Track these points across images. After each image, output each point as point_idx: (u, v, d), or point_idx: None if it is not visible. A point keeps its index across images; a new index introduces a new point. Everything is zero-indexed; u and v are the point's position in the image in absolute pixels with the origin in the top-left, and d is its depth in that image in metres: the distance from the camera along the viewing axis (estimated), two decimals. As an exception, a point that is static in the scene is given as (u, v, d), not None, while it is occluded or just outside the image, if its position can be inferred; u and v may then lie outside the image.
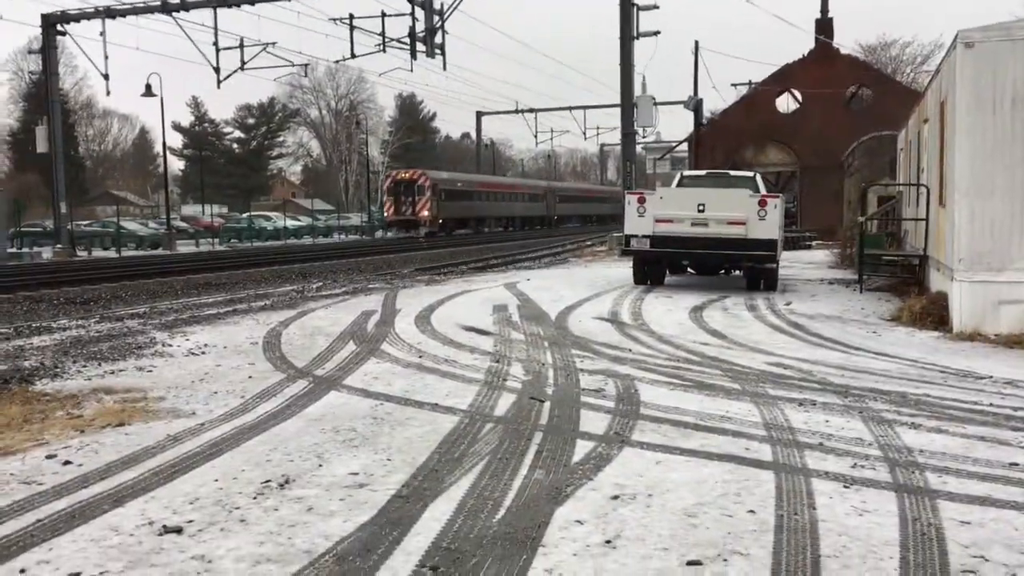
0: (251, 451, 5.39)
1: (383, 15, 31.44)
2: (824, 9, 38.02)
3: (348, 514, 4.28)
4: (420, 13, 30.31)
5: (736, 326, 11.05)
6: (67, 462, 5.16)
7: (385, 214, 54.32)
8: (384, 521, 4.17)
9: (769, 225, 14.41)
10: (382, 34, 31.80)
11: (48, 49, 36.10)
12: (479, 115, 76.16)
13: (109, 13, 33.58)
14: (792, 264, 21.55)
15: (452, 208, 53.99)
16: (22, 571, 3.62)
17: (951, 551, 3.82)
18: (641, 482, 4.76)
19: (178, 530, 4.07)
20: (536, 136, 73.51)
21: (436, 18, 30.60)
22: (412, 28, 30.62)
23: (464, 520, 4.16)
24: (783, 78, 37.53)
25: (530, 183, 76.26)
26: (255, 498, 4.53)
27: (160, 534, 4.03)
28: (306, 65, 40.83)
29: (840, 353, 9.11)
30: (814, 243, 29.93)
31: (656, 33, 30.64)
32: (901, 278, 15.50)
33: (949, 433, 5.79)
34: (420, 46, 30.89)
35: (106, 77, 34.75)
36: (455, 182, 57.08)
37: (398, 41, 31.66)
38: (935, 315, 11.02)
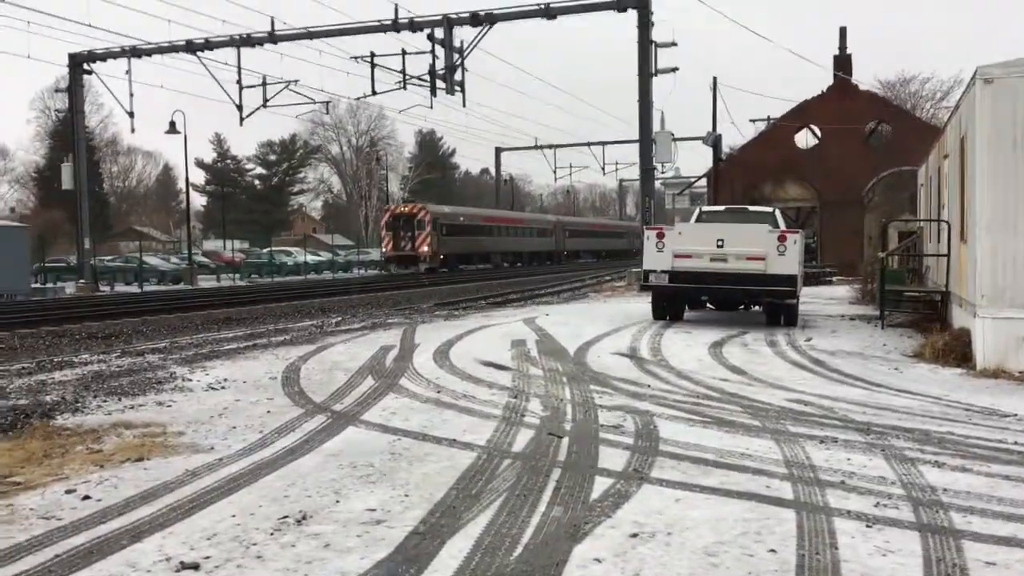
0: (269, 486, 5.39)
1: (403, 53, 31.83)
2: (843, 45, 38.15)
3: (365, 551, 4.26)
4: (440, 51, 30.66)
5: (756, 362, 10.98)
6: (86, 497, 5.18)
7: (384, 249, 52.01)
8: (401, 558, 4.15)
9: (789, 260, 14.36)
10: (402, 72, 32.18)
11: (75, 87, 36.76)
12: (498, 151, 76.64)
13: (135, 52, 34.21)
14: (812, 300, 21.43)
15: (454, 243, 52.04)
16: (40, 606, 3.62)
17: (977, 593, 3.75)
18: (660, 520, 4.71)
19: (195, 566, 4.06)
20: (555, 172, 73.89)
21: (456, 56, 30.95)
22: (432, 66, 30.96)
23: (482, 557, 4.13)
24: (802, 114, 37.59)
25: (538, 217, 74.81)
26: (272, 534, 4.52)
27: (177, 571, 4.02)
28: (327, 102, 41.27)
29: (861, 390, 9.02)
30: (834, 279, 29.77)
31: (674, 70, 30.81)
32: (923, 314, 15.37)
33: (973, 472, 5.71)
34: (440, 83, 31.21)
35: (131, 115, 35.30)
36: (457, 216, 55.16)
37: (418, 79, 32.03)
38: (958, 351, 10.91)
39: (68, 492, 5.28)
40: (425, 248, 49.15)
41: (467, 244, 54.36)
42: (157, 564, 4.10)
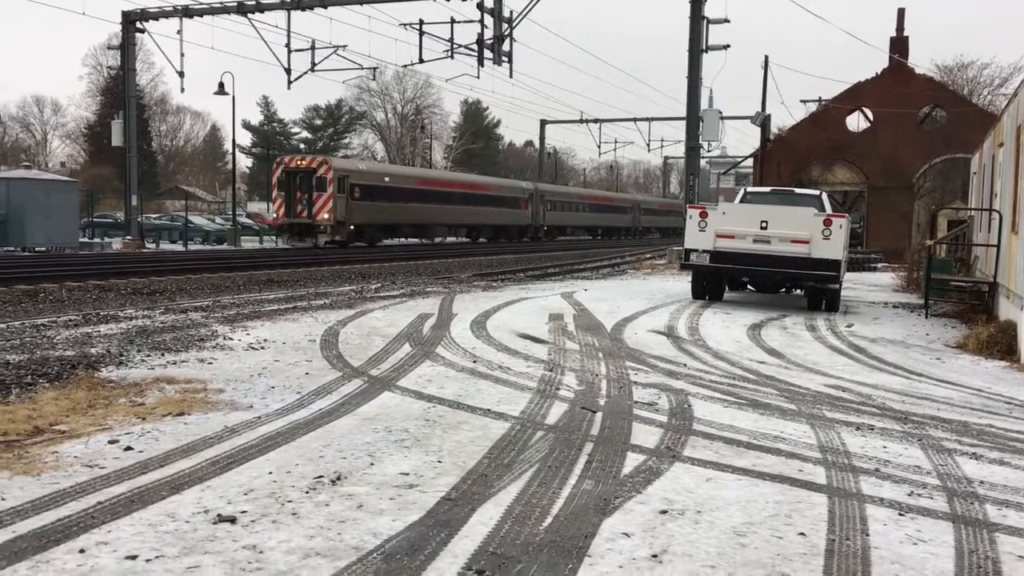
0: (305, 446, 5.48)
1: (452, 21, 31.72)
2: (900, 27, 37.35)
3: (397, 513, 4.33)
4: (489, 20, 30.51)
5: (794, 346, 10.89)
6: (128, 448, 5.31)
7: (274, 215, 39.53)
8: (432, 522, 4.21)
9: (833, 245, 14.19)
10: (451, 40, 32.10)
11: (127, 46, 37.17)
12: (543, 123, 76.29)
13: (187, 12, 34.48)
14: (856, 286, 21.16)
15: (372, 211, 40.15)
16: (82, 551, 3.74)
17: (1008, 586, 3.72)
18: (691, 498, 4.72)
19: (232, 520, 4.16)
20: (600, 146, 73.35)
21: (504, 26, 30.77)
22: (480, 35, 30.83)
23: (511, 526, 4.18)
24: (854, 96, 36.92)
25: (506, 183, 60.34)
26: (307, 493, 4.60)
27: (215, 523, 4.12)
28: (375, 68, 41.31)
29: (901, 378, 8.92)
30: (879, 265, 29.35)
31: (726, 47, 30.40)
32: (969, 305, 15.14)
33: (1011, 465, 5.63)
34: (487, 53, 31.08)
35: (181, 75, 35.64)
36: (379, 176, 42.74)
37: (466, 48, 31.94)
38: (1003, 344, 10.74)
39: (111, 442, 5.41)
40: (326, 215, 37.43)
41: (393, 212, 42.26)
42: (196, 515, 4.20)
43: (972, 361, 10.30)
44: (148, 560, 3.67)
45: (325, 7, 33.02)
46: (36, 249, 30.76)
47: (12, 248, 30.63)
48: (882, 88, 36.00)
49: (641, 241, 68.97)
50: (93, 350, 8.71)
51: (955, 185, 27.58)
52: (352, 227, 38.88)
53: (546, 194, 61.60)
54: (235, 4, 33.68)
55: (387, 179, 42.82)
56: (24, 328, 10.34)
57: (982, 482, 5.22)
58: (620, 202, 78.42)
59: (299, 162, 38.44)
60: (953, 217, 23.19)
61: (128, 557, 3.69)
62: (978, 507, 4.76)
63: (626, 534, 4.15)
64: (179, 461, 5.06)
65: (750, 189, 19.02)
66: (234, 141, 50.05)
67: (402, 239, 46.56)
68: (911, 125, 35.56)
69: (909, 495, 4.93)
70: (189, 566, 3.63)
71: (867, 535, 4.25)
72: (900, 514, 4.59)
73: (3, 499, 4.33)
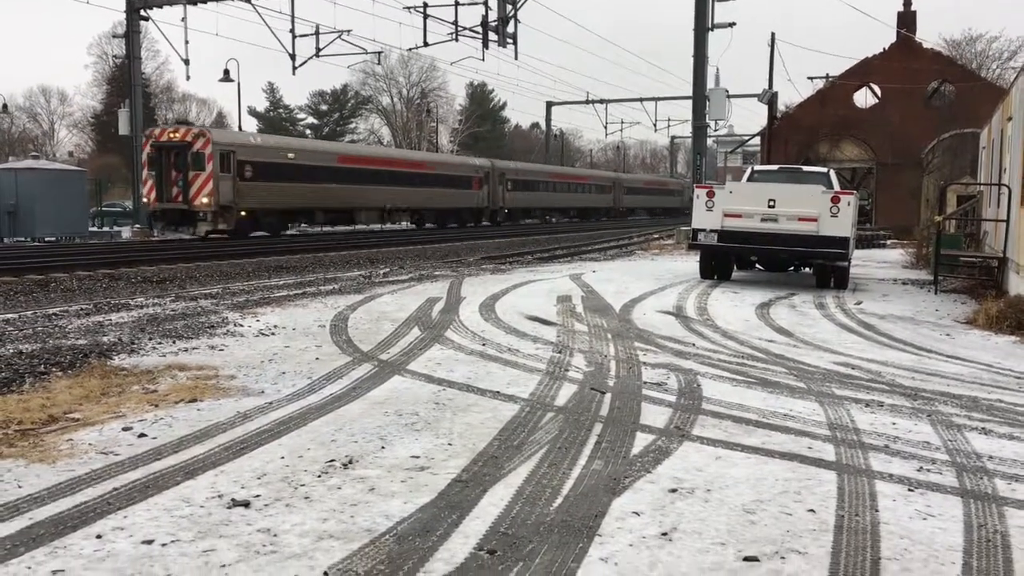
0: (316, 431, 5.53)
1: (456, 4, 31.64)
2: (907, 2, 37.02)
3: (409, 495, 4.37)
4: (493, 2, 30.47)
5: (803, 324, 10.89)
6: (142, 434, 5.36)
7: (145, 199, 32.34)
8: (444, 504, 4.25)
9: (842, 222, 14.15)
10: (455, 23, 32.01)
11: (131, 34, 37.14)
12: (549, 105, 76.08)
13: (191, -1, 34.43)
14: (865, 263, 21.10)
15: (268, 193, 32.91)
16: (98, 536, 3.79)
17: (1016, 559, 3.74)
18: (700, 477, 4.75)
19: (246, 504, 4.20)
20: (606, 127, 73.39)
21: (509, 7, 30.67)
22: (485, 17, 30.75)
23: (522, 507, 4.21)
24: (862, 72, 36.68)
25: (454, 160, 52.00)
26: (319, 476, 4.65)
27: (229, 507, 4.17)
28: (379, 53, 41.27)
29: (911, 355, 8.92)
30: (888, 242, 29.26)
31: (731, 24, 30.24)
32: (978, 280, 15.09)
33: (1021, 440, 5.64)
34: (492, 35, 31.00)
35: (186, 62, 35.62)
36: (279, 151, 34.49)
37: (470, 30, 31.85)
38: (1013, 319, 10.71)
39: (125, 429, 5.47)
40: (205, 199, 30.53)
41: (301, 195, 34.99)
42: (210, 500, 4.25)
43: (982, 336, 10.28)
44: (164, 544, 3.72)
45: (329, -9, 32.91)
46: (46, 239, 30.85)
47: (22, 238, 30.73)
48: (890, 64, 35.75)
49: (625, 223, 61.72)
50: (105, 338, 8.77)
51: (964, 160, 27.40)
52: (242, 213, 31.74)
53: (506, 172, 52.84)
54: (238, -10, 33.60)
55: (291, 155, 34.60)
56: (36, 318, 10.42)
57: (991, 457, 5.23)
58: (597, 180, 69.78)
59: (171, 135, 31.29)
60: (962, 192, 23.06)
61: (144, 542, 3.75)
62: (987, 482, 4.78)
63: (636, 513, 4.18)
64: (192, 447, 5.12)
65: (757, 167, 18.96)
66: (240, 127, 50.06)
67: (326, 226, 39.52)
68: (919, 100, 35.33)
69: (918, 471, 4.94)
70: (205, 549, 3.68)
71: (876, 511, 4.28)
72: (909, 490, 4.61)
73: (20, 486, 4.39)
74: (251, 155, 32.58)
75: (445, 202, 46.27)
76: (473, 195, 49.13)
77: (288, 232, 35.88)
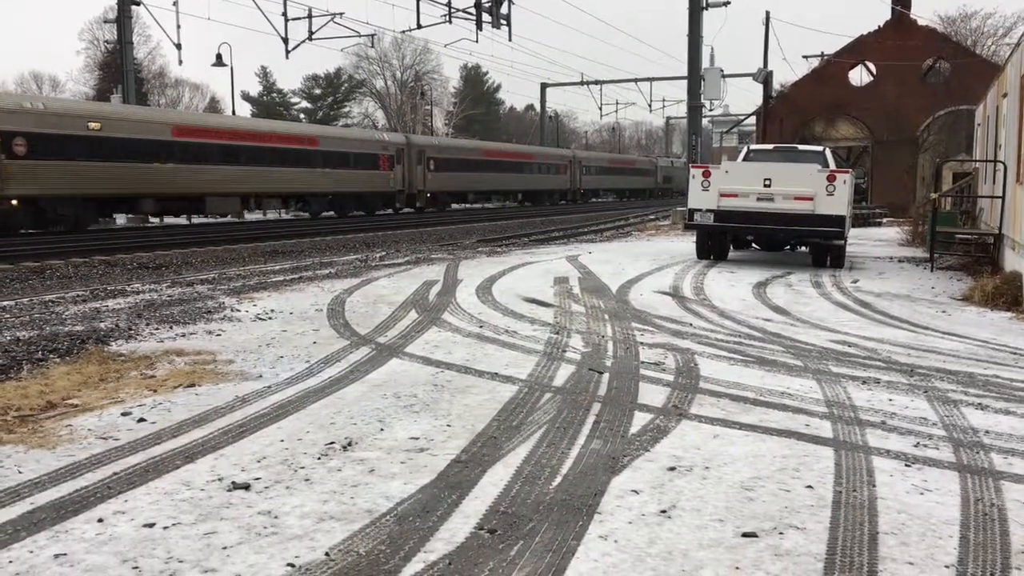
0: (315, 414, 5.54)
1: (449, -15, 31.44)
2: (901, -22, 36.84)
3: (408, 477, 4.39)
4: (486, -17, 30.25)
5: (800, 303, 10.91)
6: (141, 419, 5.37)
7: None
8: (443, 484, 4.27)
9: (837, 201, 14.16)
10: (448, 4, 31.83)
11: (123, 19, 36.86)
12: (543, 87, 75.76)
13: (182, -17, 34.19)
14: (861, 241, 21.12)
15: (51, 176, 25.28)
16: (100, 520, 3.80)
17: (1013, 532, 3.77)
18: (698, 455, 4.77)
19: (246, 487, 4.22)
20: (601, 108, 72.93)
21: (502, -12, 30.50)
22: (478, -2, 30.57)
23: (521, 486, 4.23)
24: (857, 50, 36.54)
25: (344, 134, 41.95)
26: (319, 459, 4.66)
27: (229, 490, 4.18)
28: (372, 35, 41.08)
29: (907, 332, 8.95)
30: (884, 220, 29.27)
31: (726, 3, 30.11)
32: (974, 257, 15.13)
33: (1017, 415, 5.67)
34: (486, 16, 30.86)
35: (178, 47, 35.49)
36: (70, 120, 26.41)
37: (464, 12, 31.68)
38: (1008, 295, 10.74)
39: (124, 415, 5.47)
40: None
41: (107, 178, 27.25)
42: (210, 483, 4.26)
43: (978, 313, 10.31)
44: (166, 528, 3.74)
45: (320, -26, 32.66)
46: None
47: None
48: (885, 41, 35.62)
49: (584, 208, 52.88)
50: (102, 324, 8.76)
51: (959, 137, 27.41)
52: (12, 202, 24.69)
53: (427, 149, 44.32)
54: (230, -27, 33.37)
55: (94, 126, 26.89)
56: (33, 304, 10.40)
57: (987, 432, 5.26)
58: (548, 159, 59.78)
59: None
60: (958, 170, 23.06)
61: (146, 525, 3.76)
62: (984, 456, 4.80)
63: (635, 491, 4.20)
64: (192, 431, 5.12)
65: (753, 147, 18.94)
66: (234, 112, 49.89)
67: (158, 218, 32.19)
68: (914, 78, 35.24)
69: (915, 446, 4.97)
70: (206, 532, 3.69)
71: (874, 486, 4.30)
72: (906, 465, 4.63)
73: (20, 472, 4.39)
74: (23, 125, 24.62)
75: (342, 185, 37.59)
76: (382, 177, 40.12)
77: (93, 228, 27.67)
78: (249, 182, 32.62)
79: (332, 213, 38.06)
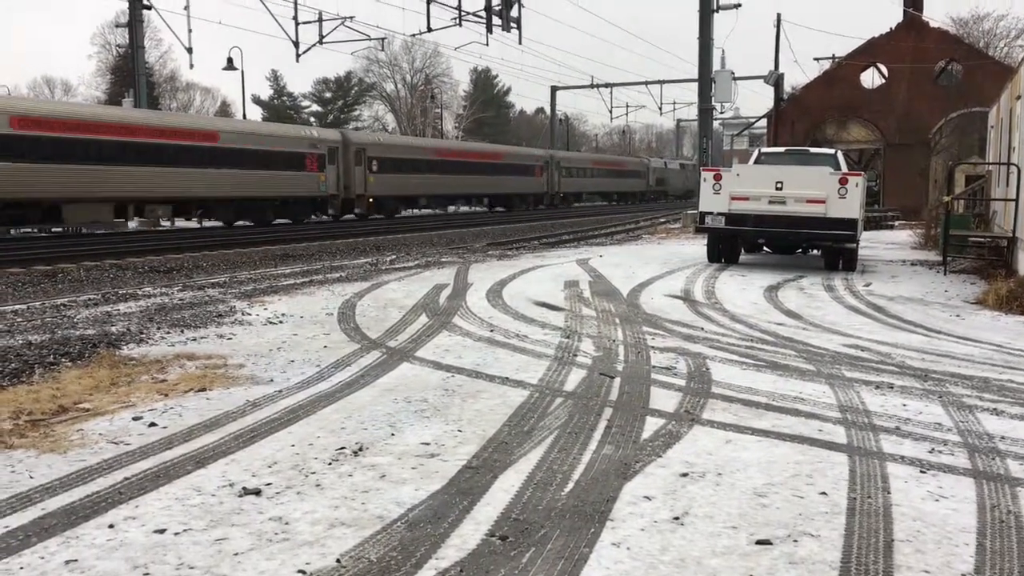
0: (326, 419, 5.53)
1: (459, -12, 31.46)
2: (913, -20, 36.69)
3: (420, 482, 4.37)
4: (496, -14, 30.26)
5: (812, 307, 10.86)
6: (152, 424, 5.36)
7: None
8: (454, 490, 4.25)
9: (850, 204, 14.08)
10: (458, 8, 31.86)
11: (134, 23, 37.04)
12: (554, 90, 75.70)
13: (193, -13, 34.33)
14: (873, 244, 21.02)
15: None
16: (111, 526, 3.79)
17: (1031, 541, 3.73)
18: (711, 460, 4.74)
19: (257, 492, 4.21)
20: (611, 111, 72.79)
21: (512, -9, 30.51)
22: (488, 2, 30.59)
23: (533, 492, 4.21)
24: (868, 52, 36.41)
25: (260, 130, 35.77)
26: (330, 464, 4.65)
27: (240, 495, 4.17)
28: (383, 39, 41.18)
29: (921, 336, 8.88)
30: (897, 223, 29.13)
31: (737, 6, 30.05)
32: (988, 260, 15.02)
33: (1033, 420, 5.62)
34: (496, 20, 30.86)
35: (189, 51, 35.61)
36: None
37: (474, 15, 31.70)
38: (1023, 299, 10.66)
39: (135, 419, 5.47)
40: None
41: None
42: (221, 489, 4.25)
43: (992, 317, 10.24)
44: (176, 534, 3.73)
45: (331, -22, 32.73)
46: (52, 229, 30.71)
47: (29, 229, 30.64)
48: (896, 43, 35.47)
49: (563, 214, 46.85)
50: (113, 328, 8.78)
51: (972, 140, 27.24)
52: None
53: (368, 148, 38.75)
54: (241, -22, 33.47)
55: None
56: (44, 308, 10.43)
57: (1003, 437, 5.21)
58: (519, 159, 53.12)
59: None
60: (971, 172, 22.93)
61: (157, 531, 3.75)
62: (1000, 462, 4.76)
63: (647, 497, 4.17)
64: (203, 436, 5.12)
65: (764, 150, 18.87)
66: (244, 116, 50.07)
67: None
68: (926, 80, 35.08)
69: (930, 452, 4.92)
70: (217, 538, 3.68)
71: (888, 493, 4.26)
72: (921, 471, 4.59)
73: (31, 477, 4.39)
74: None
75: (258, 189, 32.30)
76: (310, 178, 34.99)
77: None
78: (124, 185, 27.33)
79: (248, 222, 33.02)
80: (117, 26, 57.94)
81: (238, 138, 32.05)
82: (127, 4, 36.85)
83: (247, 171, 31.68)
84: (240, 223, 32.90)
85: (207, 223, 33.20)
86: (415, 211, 44.94)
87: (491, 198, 50.52)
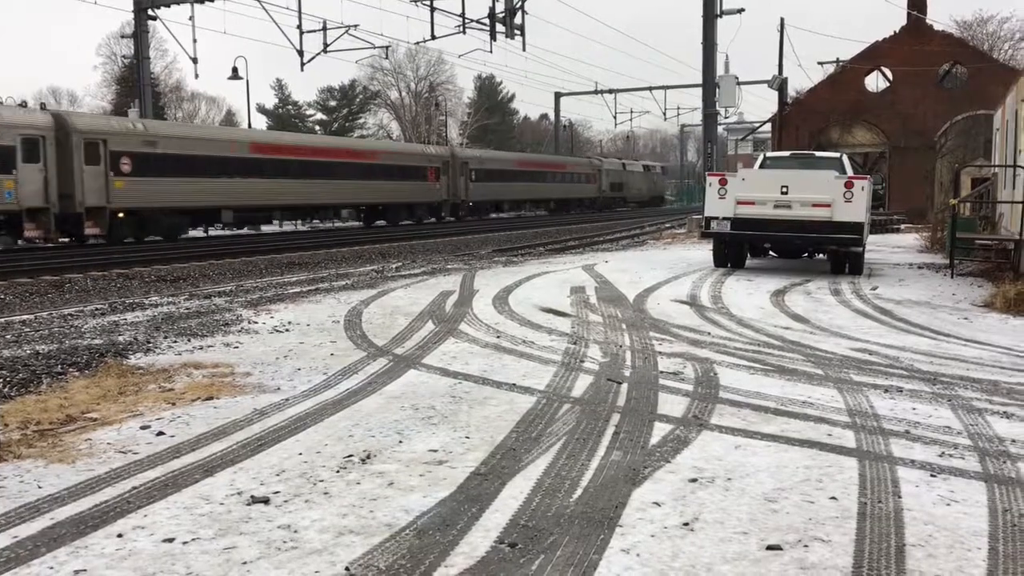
0: (334, 426, 5.52)
1: (463, -4, 31.52)
2: (917, -17, 36.67)
3: (428, 490, 4.36)
4: (500, -6, 30.32)
5: (819, 311, 10.83)
6: (160, 433, 5.36)
7: None
8: (463, 497, 4.23)
9: (855, 207, 14.05)
10: (462, 15, 31.93)
11: (140, 34, 37.19)
12: (558, 96, 75.78)
13: (198, -3, 34.43)
14: (879, 248, 20.97)
15: None
16: (119, 535, 3.79)
17: (1044, 544, 3.70)
18: (720, 466, 4.72)
19: (265, 500, 4.20)
20: (615, 117, 72.76)
21: (516, -1, 30.57)
22: (492, 9, 30.66)
23: (542, 499, 4.20)
24: (873, 55, 36.39)
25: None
26: (338, 472, 4.64)
27: (248, 504, 4.16)
28: (387, 47, 41.19)
29: (928, 339, 8.85)
30: (903, 226, 29.06)
31: (740, 11, 30.01)
32: (995, 263, 14.96)
33: (1044, 423, 5.59)
34: (500, 27, 30.92)
35: (195, 61, 35.67)
36: None
37: (478, 22, 31.76)
38: (1031, 301, 10.62)
39: (143, 428, 5.47)
40: None
41: None
42: (229, 497, 4.24)
43: (1000, 319, 10.20)
44: (185, 543, 3.72)
45: (335, -14, 32.84)
46: (59, 239, 30.84)
47: (36, 239, 30.73)
48: (900, 46, 35.44)
49: (463, 229, 37.24)
50: (121, 338, 8.79)
51: (977, 143, 27.19)
52: None
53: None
54: (245, -13, 33.58)
55: None
56: (52, 318, 10.45)
57: (1014, 440, 5.18)
58: (404, 159, 42.25)
59: None
60: (976, 175, 22.90)
61: (165, 540, 3.75)
62: (1011, 466, 4.73)
63: (656, 503, 4.16)
64: (211, 444, 5.12)
65: (769, 154, 18.85)
66: (250, 125, 50.18)
67: None
68: (931, 83, 35.04)
69: (940, 456, 4.90)
70: (226, 547, 3.67)
71: (899, 497, 4.24)
72: (932, 475, 4.57)
73: (40, 487, 4.39)
74: None
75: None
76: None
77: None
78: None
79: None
80: (123, 37, 58.10)
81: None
82: (132, 15, 37.03)
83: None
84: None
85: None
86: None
87: (369, 208, 40.34)
